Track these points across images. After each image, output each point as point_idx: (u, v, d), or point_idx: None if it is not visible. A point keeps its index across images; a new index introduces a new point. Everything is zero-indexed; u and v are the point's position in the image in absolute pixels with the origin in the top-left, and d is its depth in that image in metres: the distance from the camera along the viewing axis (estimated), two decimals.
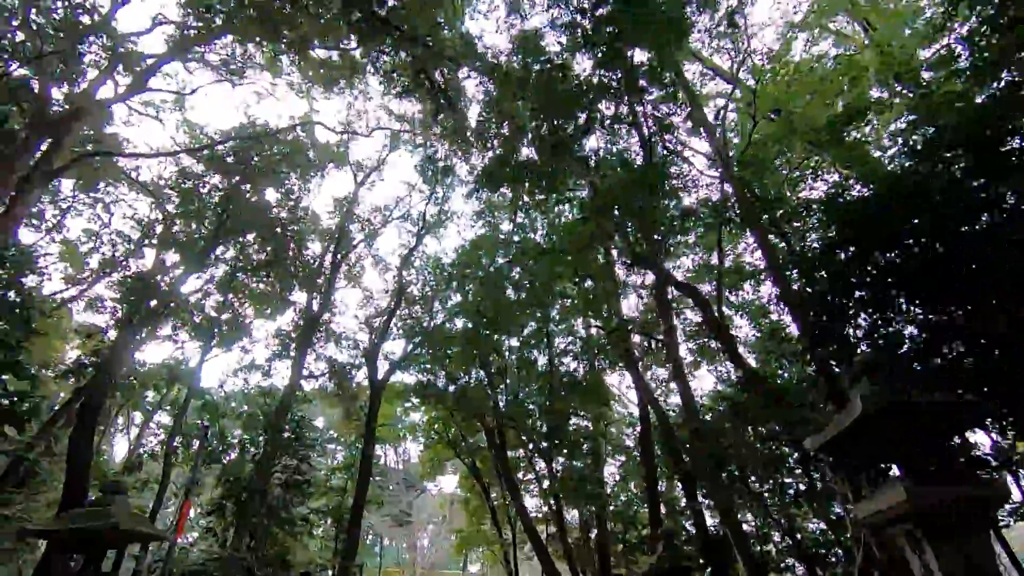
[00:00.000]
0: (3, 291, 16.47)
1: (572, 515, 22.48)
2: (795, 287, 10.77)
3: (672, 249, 14.13)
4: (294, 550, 15.95)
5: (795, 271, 11.09)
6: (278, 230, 22.94)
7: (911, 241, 10.37)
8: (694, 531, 15.02)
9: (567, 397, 19.85)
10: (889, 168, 11.74)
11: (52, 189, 22.00)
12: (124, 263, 22.75)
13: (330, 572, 20.42)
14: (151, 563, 15.87)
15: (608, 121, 12.22)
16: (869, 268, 11.05)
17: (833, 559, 15.11)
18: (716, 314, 10.53)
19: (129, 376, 23.28)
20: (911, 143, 10.30)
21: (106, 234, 23.20)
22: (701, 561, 13.28)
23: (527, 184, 13.53)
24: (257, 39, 16.66)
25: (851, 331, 11.42)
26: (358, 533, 19.58)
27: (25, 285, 17.67)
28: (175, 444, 20.61)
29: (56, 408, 18.37)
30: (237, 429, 22.45)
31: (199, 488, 19.89)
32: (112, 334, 20.69)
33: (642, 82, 10.71)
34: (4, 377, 16.37)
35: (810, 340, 9.61)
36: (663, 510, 17.54)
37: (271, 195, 24.20)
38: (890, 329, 10.83)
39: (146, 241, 23.48)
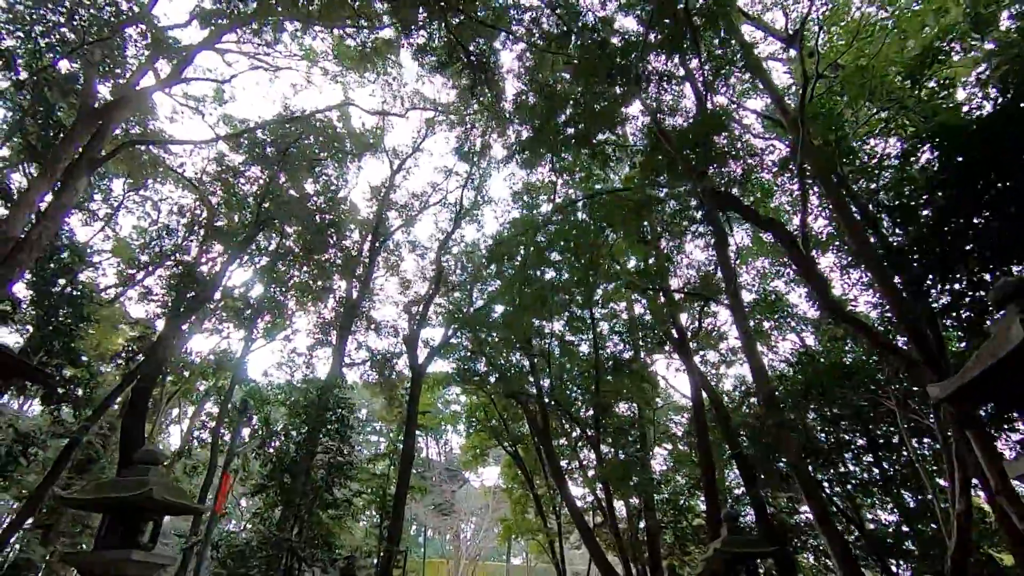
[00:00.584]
0: (62, 283, 17.00)
1: (619, 505, 21.74)
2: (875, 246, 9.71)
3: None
4: (339, 534, 15.85)
5: (871, 231, 10.07)
6: (317, 219, 23.02)
7: (1003, 194, 9.26)
8: (754, 518, 14.09)
9: (612, 381, 19.11)
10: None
11: (104, 188, 22.66)
12: (172, 256, 23.29)
13: (375, 559, 20.38)
14: (197, 541, 16.07)
15: (657, 78, 11.38)
16: (952, 229, 9.97)
17: (913, 552, 13.90)
18: (805, 253, 9.47)
19: (179, 365, 23.90)
20: (1007, 81, 9.12)
21: (155, 230, 23.83)
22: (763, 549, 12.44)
23: (567, 151, 12.82)
24: (288, 19, 16.51)
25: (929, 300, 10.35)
26: (401, 520, 19.44)
27: (78, 278, 18.22)
28: (221, 431, 20.95)
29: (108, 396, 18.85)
30: (282, 420, 22.66)
31: (248, 474, 20.15)
32: (160, 323, 21.19)
33: (696, 21, 9.82)
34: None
35: (897, 300, 8.60)
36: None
37: (309, 186, 24.35)
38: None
39: (191, 235, 23.98)
